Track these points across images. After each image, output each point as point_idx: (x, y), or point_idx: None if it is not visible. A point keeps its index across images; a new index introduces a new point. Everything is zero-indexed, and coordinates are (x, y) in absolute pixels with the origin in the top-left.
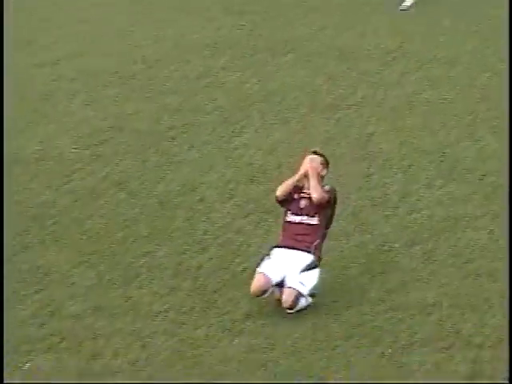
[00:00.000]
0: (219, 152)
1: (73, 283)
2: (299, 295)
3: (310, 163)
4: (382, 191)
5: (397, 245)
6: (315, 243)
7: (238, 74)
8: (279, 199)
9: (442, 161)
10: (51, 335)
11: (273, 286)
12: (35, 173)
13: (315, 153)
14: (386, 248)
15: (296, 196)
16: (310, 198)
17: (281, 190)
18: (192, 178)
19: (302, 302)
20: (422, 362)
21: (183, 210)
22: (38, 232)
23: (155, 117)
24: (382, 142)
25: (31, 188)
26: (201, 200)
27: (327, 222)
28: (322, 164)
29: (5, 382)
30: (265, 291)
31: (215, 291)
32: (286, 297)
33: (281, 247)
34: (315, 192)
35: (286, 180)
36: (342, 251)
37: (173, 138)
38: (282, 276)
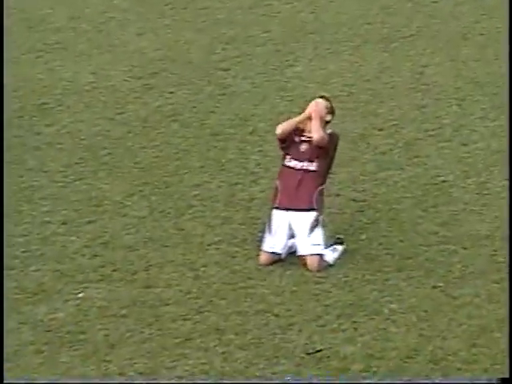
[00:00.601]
0: (272, 83)
1: (125, 214)
2: (320, 257)
3: (315, 106)
4: (436, 123)
5: (450, 177)
6: (315, 196)
7: (292, 5)
8: (279, 137)
9: (496, 93)
10: (104, 265)
11: (280, 254)
12: (89, 103)
13: (323, 98)
14: (439, 180)
15: (297, 139)
16: (310, 142)
17: (282, 128)
18: (245, 109)
19: (329, 257)
20: (474, 294)
21: (235, 141)
22: (92, 162)
23: (208, 48)
24: (436, 74)
25: (85, 118)
26: (253, 131)
27: (326, 169)
28: (327, 109)
29: (5, 381)
30: (273, 263)
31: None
32: (310, 265)
33: (281, 209)
34: (316, 132)
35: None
36: (394, 184)
37: (226, 69)
38: (289, 244)
